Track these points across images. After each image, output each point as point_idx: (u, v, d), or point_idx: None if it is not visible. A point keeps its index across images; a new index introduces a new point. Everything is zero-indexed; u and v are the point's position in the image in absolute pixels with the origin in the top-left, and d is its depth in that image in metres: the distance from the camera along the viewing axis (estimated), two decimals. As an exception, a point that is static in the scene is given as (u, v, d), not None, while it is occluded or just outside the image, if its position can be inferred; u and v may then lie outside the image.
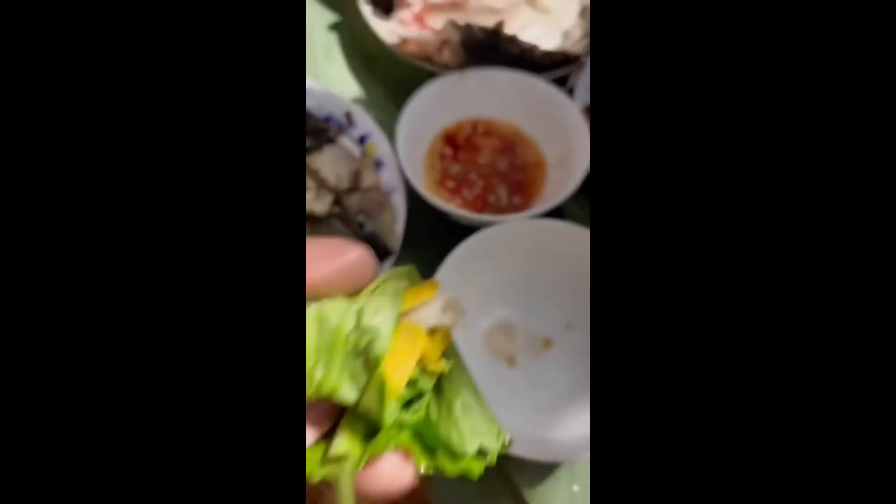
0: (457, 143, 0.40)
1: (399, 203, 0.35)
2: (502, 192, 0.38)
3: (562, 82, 0.40)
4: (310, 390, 0.11)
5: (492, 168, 0.39)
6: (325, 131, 0.37)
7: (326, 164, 0.36)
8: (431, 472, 0.12)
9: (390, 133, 0.37)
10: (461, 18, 0.42)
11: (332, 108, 0.39)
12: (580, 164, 0.35)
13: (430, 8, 0.43)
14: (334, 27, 0.49)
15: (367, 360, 0.11)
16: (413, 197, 0.35)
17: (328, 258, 0.12)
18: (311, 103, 0.39)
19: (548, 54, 0.40)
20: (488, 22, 0.40)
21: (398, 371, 0.11)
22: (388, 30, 0.43)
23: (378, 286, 0.12)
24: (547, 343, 0.34)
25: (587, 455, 0.28)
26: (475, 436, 0.12)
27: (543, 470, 0.32)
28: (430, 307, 0.12)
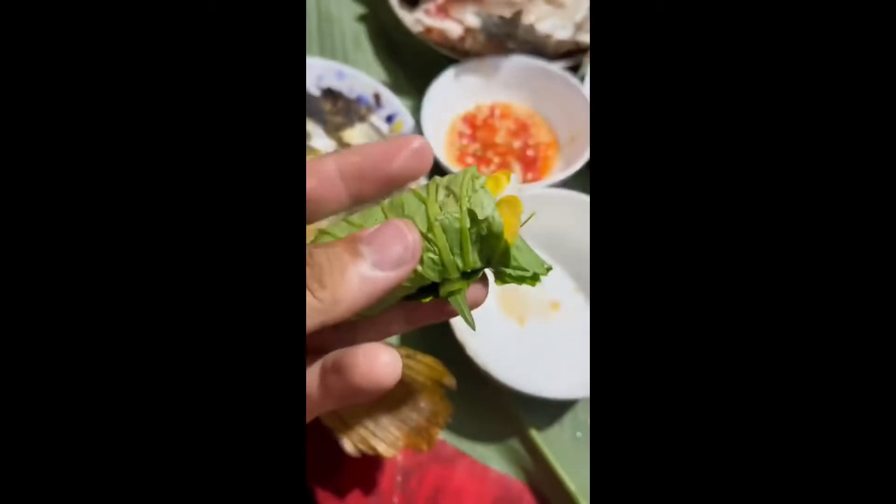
0: (475, 124, 0.43)
1: (423, 175, 0.38)
2: (517, 169, 0.41)
3: (575, 69, 0.44)
4: (455, 273, 0.16)
5: (507, 147, 0.42)
6: (356, 111, 0.41)
7: (357, 139, 0.39)
8: (501, 284, 0.17)
9: (414, 114, 0.41)
10: (482, 11, 0.46)
11: (361, 89, 0.43)
12: (587, 143, 0.38)
13: (452, 0, 0.47)
14: (362, 19, 0.52)
15: (490, 238, 0.16)
16: (436, 170, 0.38)
17: (397, 151, 0.16)
18: (343, 85, 0.43)
19: (561, 43, 0.43)
20: (507, 14, 0.44)
21: (510, 233, 0.16)
22: (413, 20, 0.46)
23: (462, 181, 0.16)
24: (555, 305, 0.37)
25: (586, 394, 0.31)
26: (529, 267, 0.16)
27: (551, 417, 0.35)
28: (511, 187, 0.16)
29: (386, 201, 0.16)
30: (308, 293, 0.14)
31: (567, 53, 0.44)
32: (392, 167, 0.16)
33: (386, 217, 0.16)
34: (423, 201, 0.16)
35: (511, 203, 0.16)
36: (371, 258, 0.14)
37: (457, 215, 0.15)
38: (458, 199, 0.15)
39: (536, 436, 0.34)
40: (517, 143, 0.42)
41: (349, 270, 0.14)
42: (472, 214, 0.15)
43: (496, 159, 0.41)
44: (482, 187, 0.15)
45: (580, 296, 0.37)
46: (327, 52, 0.50)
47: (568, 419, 0.35)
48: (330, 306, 0.14)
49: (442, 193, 0.16)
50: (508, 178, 0.16)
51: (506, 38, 0.42)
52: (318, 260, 0.14)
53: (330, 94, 0.43)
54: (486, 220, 0.15)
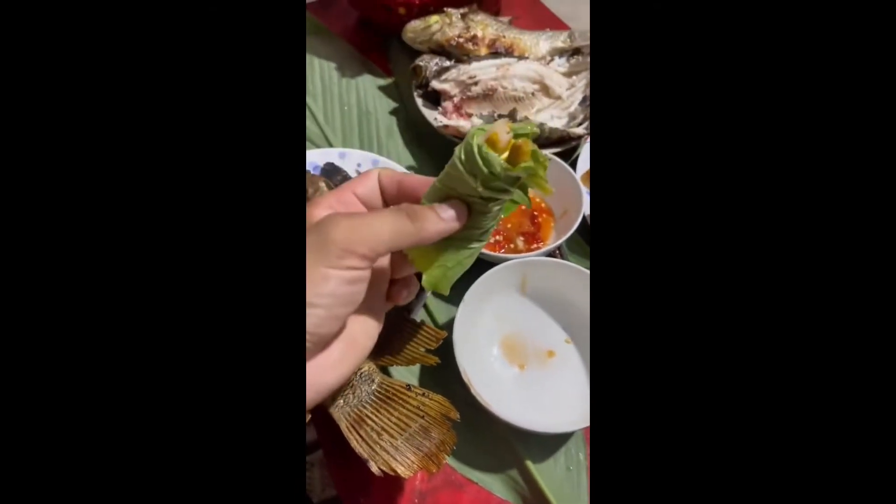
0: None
1: (439, 245, 0.47)
2: (520, 242, 0.49)
3: (567, 155, 0.52)
4: (481, 189, 0.24)
5: (515, 228, 0.50)
6: (386, 192, 0.50)
7: (387, 215, 0.48)
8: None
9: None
10: (490, 106, 0.56)
11: (391, 174, 0.53)
12: (576, 216, 0.46)
13: (467, 99, 0.57)
14: (394, 112, 0.63)
15: (478, 161, 0.24)
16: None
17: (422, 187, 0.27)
18: (376, 171, 0.53)
19: (553, 130, 0.52)
20: (510, 108, 0.53)
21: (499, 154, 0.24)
22: (434, 116, 0.56)
23: (465, 144, 0.24)
24: (550, 353, 0.44)
25: (577, 428, 0.37)
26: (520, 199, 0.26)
27: (546, 452, 0.40)
28: (503, 136, 0.24)
29: (440, 177, 0.26)
30: (409, 222, 0.24)
31: (559, 140, 0.52)
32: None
33: (441, 186, 0.25)
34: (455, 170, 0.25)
35: (492, 141, 0.24)
36: (442, 215, 0.25)
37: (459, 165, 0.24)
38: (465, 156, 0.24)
39: (533, 468, 0.39)
40: (524, 211, 0.50)
41: (431, 216, 0.24)
42: (467, 149, 0.24)
43: (502, 234, 0.49)
44: (471, 140, 0.24)
45: (571, 346, 0.44)
46: (364, 139, 0.60)
47: (561, 454, 0.40)
48: (418, 231, 0.24)
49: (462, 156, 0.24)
50: (497, 136, 0.24)
51: (508, 131, 0.51)
52: (416, 209, 0.24)
53: (366, 178, 0.53)
54: (473, 156, 0.23)
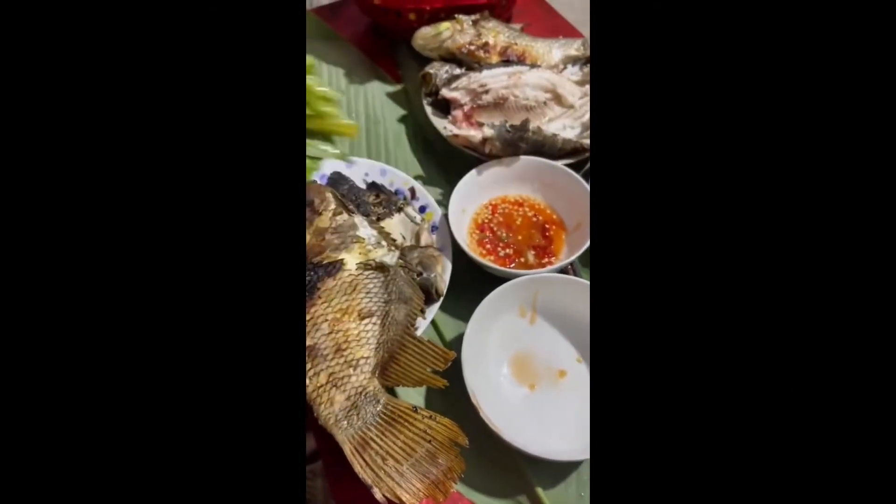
0: (496, 212, 0.50)
1: (448, 258, 0.45)
2: (531, 256, 0.47)
3: (578, 167, 0.51)
4: None
5: (524, 230, 0.49)
6: (395, 202, 0.49)
7: (395, 227, 0.47)
8: None
9: (444, 200, 0.48)
10: (501, 115, 0.54)
11: (399, 184, 0.51)
12: (590, 229, 0.44)
13: (477, 108, 0.55)
14: (402, 119, 0.62)
15: None
16: (458, 253, 0.45)
17: None
18: (384, 180, 0.52)
19: (567, 141, 0.50)
20: (522, 117, 0.52)
21: None
22: (443, 125, 0.55)
23: None
24: (562, 373, 0.42)
25: (587, 457, 0.35)
26: None
27: (557, 477, 0.39)
28: None
29: None
30: None
31: (573, 151, 0.51)
32: None
33: None
34: None
35: None
36: None
37: None
38: None
39: (543, 494, 0.38)
40: (535, 224, 0.49)
41: None
42: None
43: (512, 246, 0.47)
44: None
45: (583, 365, 0.42)
46: (372, 147, 0.59)
47: (573, 480, 0.39)
48: None
49: None
50: None
51: (518, 140, 0.50)
52: None
53: (374, 187, 0.52)
54: None
